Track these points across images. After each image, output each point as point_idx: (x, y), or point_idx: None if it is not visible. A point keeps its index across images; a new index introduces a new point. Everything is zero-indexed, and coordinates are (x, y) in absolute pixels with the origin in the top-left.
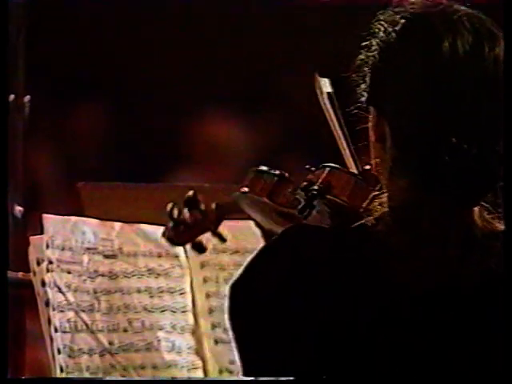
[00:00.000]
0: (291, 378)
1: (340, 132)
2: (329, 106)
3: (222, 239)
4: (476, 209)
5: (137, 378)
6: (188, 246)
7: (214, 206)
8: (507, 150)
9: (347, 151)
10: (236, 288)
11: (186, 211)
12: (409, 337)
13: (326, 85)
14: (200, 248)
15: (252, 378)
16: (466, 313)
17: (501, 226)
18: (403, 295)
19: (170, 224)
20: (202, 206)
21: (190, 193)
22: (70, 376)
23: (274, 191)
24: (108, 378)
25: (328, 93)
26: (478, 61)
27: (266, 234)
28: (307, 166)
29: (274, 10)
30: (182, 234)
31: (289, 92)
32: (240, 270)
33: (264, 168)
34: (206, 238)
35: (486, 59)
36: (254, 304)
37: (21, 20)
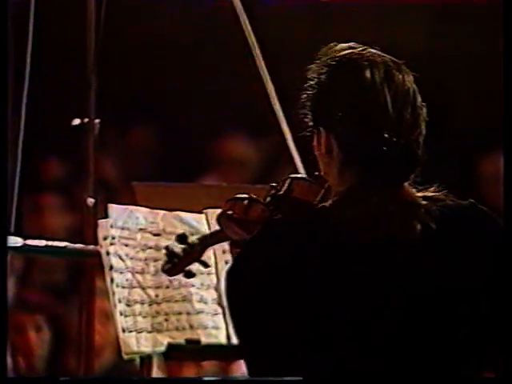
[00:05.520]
0: (292, 378)
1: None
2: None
3: (206, 265)
4: (406, 184)
5: (137, 378)
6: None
7: (197, 239)
8: (507, 148)
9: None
10: (230, 274)
11: (177, 245)
12: (371, 283)
13: None
14: (190, 274)
15: (251, 378)
16: (409, 257)
17: (421, 194)
18: (361, 252)
19: (166, 258)
20: (190, 240)
21: (181, 231)
22: (127, 319)
23: (247, 208)
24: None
25: None
26: (390, 82)
27: (237, 244)
28: (271, 184)
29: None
30: (175, 265)
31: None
32: (235, 256)
33: (239, 195)
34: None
35: (396, 80)
36: (246, 286)
37: (94, 65)
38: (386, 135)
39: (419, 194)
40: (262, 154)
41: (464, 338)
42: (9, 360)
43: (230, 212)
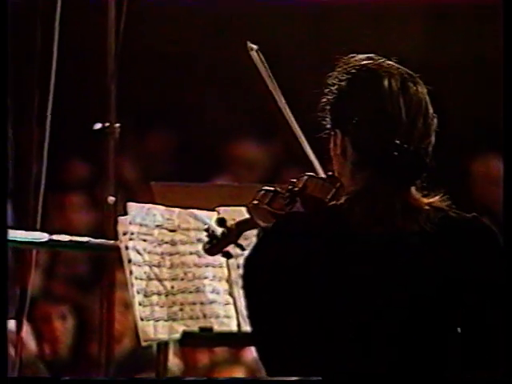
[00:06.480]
0: (296, 378)
1: (275, 87)
2: (259, 59)
3: (242, 248)
4: (412, 188)
5: (137, 378)
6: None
7: (234, 224)
8: (507, 148)
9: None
10: (248, 262)
11: (216, 228)
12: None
13: (254, 47)
14: (228, 255)
15: (252, 378)
16: (407, 251)
17: (426, 201)
18: (366, 247)
19: (206, 239)
20: (228, 224)
21: (220, 215)
22: (145, 309)
23: (271, 200)
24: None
25: (256, 50)
26: (405, 92)
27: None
28: (291, 180)
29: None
30: (214, 246)
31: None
32: (252, 246)
33: (265, 188)
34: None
35: (411, 91)
36: (262, 275)
37: (114, 72)
38: (397, 141)
39: (424, 200)
40: (270, 156)
41: (455, 338)
42: (35, 346)
43: (255, 202)
